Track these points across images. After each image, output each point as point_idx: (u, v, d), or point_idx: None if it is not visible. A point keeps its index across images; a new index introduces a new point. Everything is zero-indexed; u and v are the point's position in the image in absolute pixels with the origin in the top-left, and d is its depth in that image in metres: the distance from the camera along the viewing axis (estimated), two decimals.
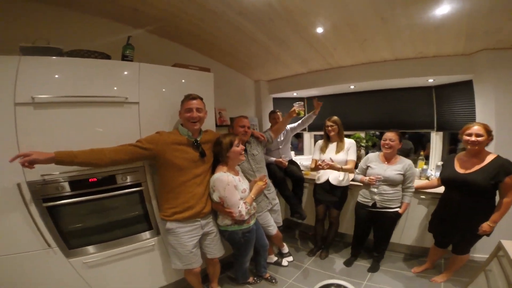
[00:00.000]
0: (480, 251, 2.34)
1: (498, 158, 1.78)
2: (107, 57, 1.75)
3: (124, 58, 1.85)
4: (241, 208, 1.79)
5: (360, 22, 2.02)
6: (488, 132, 1.78)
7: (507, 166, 1.71)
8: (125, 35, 1.91)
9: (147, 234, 1.93)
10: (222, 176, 1.78)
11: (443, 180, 2.04)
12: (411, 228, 2.56)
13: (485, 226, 1.79)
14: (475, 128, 1.80)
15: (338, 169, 2.38)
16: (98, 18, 2.18)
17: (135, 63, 1.80)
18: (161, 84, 1.93)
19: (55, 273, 1.57)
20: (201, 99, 1.84)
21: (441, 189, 2.11)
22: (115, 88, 1.69)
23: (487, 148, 1.86)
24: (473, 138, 1.79)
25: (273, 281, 2.33)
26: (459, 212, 1.89)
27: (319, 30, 2.22)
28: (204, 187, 1.84)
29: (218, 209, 1.88)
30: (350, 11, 1.89)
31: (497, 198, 1.83)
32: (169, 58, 2.24)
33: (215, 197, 1.81)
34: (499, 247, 1.35)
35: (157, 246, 1.97)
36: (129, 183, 1.79)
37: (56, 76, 1.51)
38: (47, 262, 1.54)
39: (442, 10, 1.76)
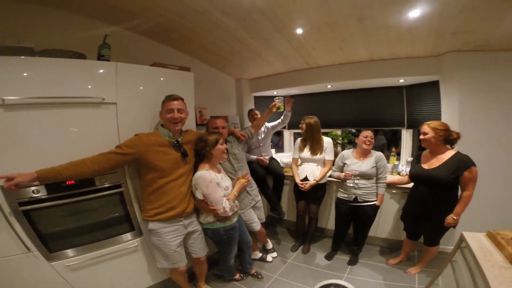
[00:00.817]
0: (451, 243, 2.51)
1: (457, 154, 1.94)
2: (82, 56, 1.68)
3: (101, 57, 1.80)
4: (225, 205, 1.80)
5: (339, 21, 2.07)
6: (436, 130, 1.94)
7: (465, 161, 1.86)
8: (101, 32, 1.84)
9: (129, 235, 1.90)
10: (205, 174, 1.79)
11: (411, 176, 2.20)
12: (385, 222, 2.71)
13: (449, 218, 1.93)
14: (422, 127, 2.01)
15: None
16: (72, 14, 2.07)
17: (111, 62, 1.75)
18: (140, 84, 1.89)
19: (37, 277, 1.54)
20: (183, 99, 1.83)
21: (411, 184, 2.25)
22: (91, 88, 1.64)
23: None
24: (421, 136, 2.00)
25: (259, 277, 2.38)
26: (426, 206, 2.03)
27: (300, 29, 2.27)
28: (187, 187, 1.84)
29: (201, 207, 1.88)
30: (331, 10, 1.92)
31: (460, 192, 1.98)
32: (148, 57, 2.19)
33: (198, 195, 1.81)
34: (461, 239, 1.44)
35: (140, 247, 1.95)
36: (108, 185, 1.76)
37: (27, 76, 1.43)
38: (29, 266, 1.49)
39: (415, 12, 1.82)
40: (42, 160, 1.44)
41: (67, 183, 1.57)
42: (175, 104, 1.76)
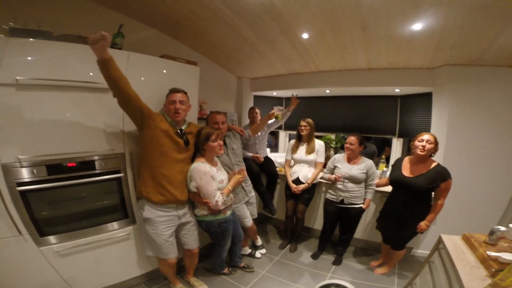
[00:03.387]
0: (425, 247, 2.69)
1: (438, 165, 2.04)
2: None
3: (114, 46, 1.82)
4: (218, 198, 1.83)
5: (344, 29, 2.13)
6: (436, 142, 2.05)
7: (443, 173, 1.98)
8: (116, 21, 1.89)
9: (121, 223, 1.91)
10: (199, 166, 1.82)
11: (391, 181, 2.28)
12: (369, 224, 2.81)
13: (422, 225, 2.06)
14: (427, 136, 2.06)
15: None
16: (89, 2, 2.10)
17: (124, 51, 1.78)
18: (148, 74, 1.92)
19: (24, 261, 1.51)
20: (185, 93, 1.88)
21: (390, 188, 2.35)
22: (92, 74, 1.64)
23: (435, 158, 2.12)
24: (424, 143, 2.04)
25: (249, 268, 2.43)
26: (402, 211, 2.13)
27: (306, 34, 2.33)
28: (183, 176, 1.86)
29: (195, 199, 1.91)
30: (337, 18, 1.98)
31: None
32: (157, 49, 2.21)
33: (192, 187, 1.83)
34: (439, 241, 1.55)
35: (132, 235, 1.96)
36: (108, 170, 1.77)
37: (43, 58, 1.45)
38: (17, 250, 1.47)
39: (418, 25, 1.88)
40: (49, 140, 1.47)
41: (67, 165, 1.58)
42: (177, 96, 1.81)
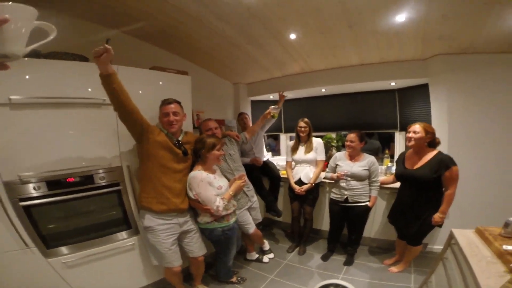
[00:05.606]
0: (438, 243, 2.59)
1: (439, 153, 1.99)
2: (85, 59, 1.76)
3: None
4: (218, 203, 1.84)
5: (331, 28, 2.16)
6: (426, 131, 1.99)
7: (446, 161, 1.92)
8: (103, 36, 1.90)
9: (126, 233, 1.94)
10: (197, 173, 1.85)
11: (396, 176, 2.26)
12: (379, 223, 2.75)
13: (436, 217, 1.98)
14: (414, 126, 2.04)
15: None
16: (74, 18, 2.16)
17: (113, 65, 1.79)
18: (139, 87, 1.96)
19: (34, 273, 1.56)
20: (179, 103, 1.90)
21: (398, 184, 2.30)
22: (92, 89, 1.71)
23: (440, 148, 2.07)
24: (410, 134, 2.02)
25: (242, 280, 2.36)
26: (412, 205, 2.08)
27: (294, 35, 2.36)
28: (183, 185, 1.89)
29: (196, 207, 1.92)
30: (323, 17, 2.01)
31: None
32: (148, 61, 2.27)
33: (191, 194, 1.86)
34: (451, 236, 1.47)
35: (136, 246, 1.98)
36: (107, 183, 1.81)
37: (33, 77, 1.51)
38: (26, 262, 1.53)
39: (401, 16, 1.91)
40: (48, 156, 1.52)
41: (67, 180, 1.63)
42: (171, 107, 1.84)
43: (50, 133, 1.57)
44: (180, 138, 1.92)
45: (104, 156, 1.82)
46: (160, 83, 2.11)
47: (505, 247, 1.14)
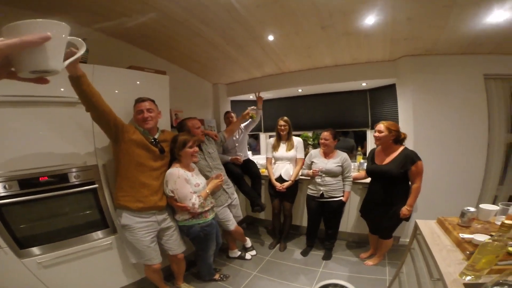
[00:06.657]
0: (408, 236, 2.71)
1: (405, 149, 2.13)
2: None
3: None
4: (194, 201, 1.86)
5: (306, 29, 2.24)
6: (389, 129, 2.12)
7: (411, 156, 2.06)
8: (78, 34, 1.86)
9: (102, 233, 1.91)
10: (174, 170, 1.87)
11: (367, 171, 2.39)
12: (355, 217, 2.87)
13: (404, 210, 2.10)
14: (378, 126, 2.17)
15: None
16: (51, 17, 2.04)
17: (89, 65, 1.79)
18: (116, 86, 1.94)
19: (8, 274, 1.50)
20: (152, 100, 1.91)
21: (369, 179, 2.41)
22: (63, 90, 1.65)
23: (406, 144, 2.21)
24: (376, 134, 2.17)
25: (225, 277, 2.38)
26: (381, 199, 2.20)
27: (271, 37, 2.43)
28: (160, 182, 1.89)
29: (172, 204, 1.92)
30: (298, 19, 2.08)
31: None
32: (125, 60, 2.23)
33: (168, 191, 1.87)
34: (416, 227, 1.55)
35: (114, 245, 1.95)
36: (82, 182, 1.77)
37: None
38: None
39: (370, 19, 2.00)
40: (21, 155, 1.48)
41: (40, 179, 1.58)
42: (144, 105, 1.85)
43: (22, 132, 1.52)
44: (156, 136, 1.92)
45: (79, 154, 1.78)
46: (138, 82, 2.09)
47: (461, 235, 1.21)
